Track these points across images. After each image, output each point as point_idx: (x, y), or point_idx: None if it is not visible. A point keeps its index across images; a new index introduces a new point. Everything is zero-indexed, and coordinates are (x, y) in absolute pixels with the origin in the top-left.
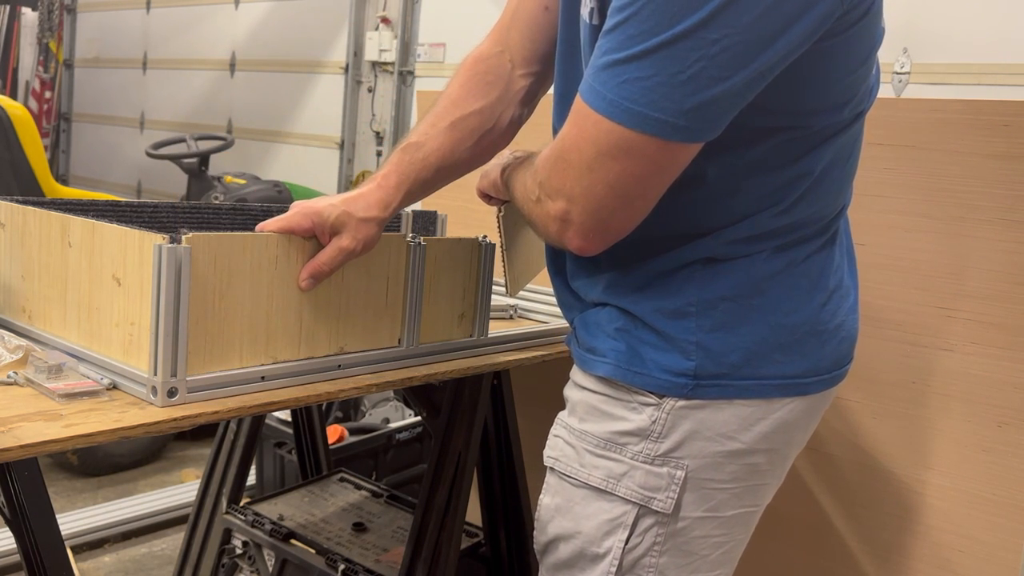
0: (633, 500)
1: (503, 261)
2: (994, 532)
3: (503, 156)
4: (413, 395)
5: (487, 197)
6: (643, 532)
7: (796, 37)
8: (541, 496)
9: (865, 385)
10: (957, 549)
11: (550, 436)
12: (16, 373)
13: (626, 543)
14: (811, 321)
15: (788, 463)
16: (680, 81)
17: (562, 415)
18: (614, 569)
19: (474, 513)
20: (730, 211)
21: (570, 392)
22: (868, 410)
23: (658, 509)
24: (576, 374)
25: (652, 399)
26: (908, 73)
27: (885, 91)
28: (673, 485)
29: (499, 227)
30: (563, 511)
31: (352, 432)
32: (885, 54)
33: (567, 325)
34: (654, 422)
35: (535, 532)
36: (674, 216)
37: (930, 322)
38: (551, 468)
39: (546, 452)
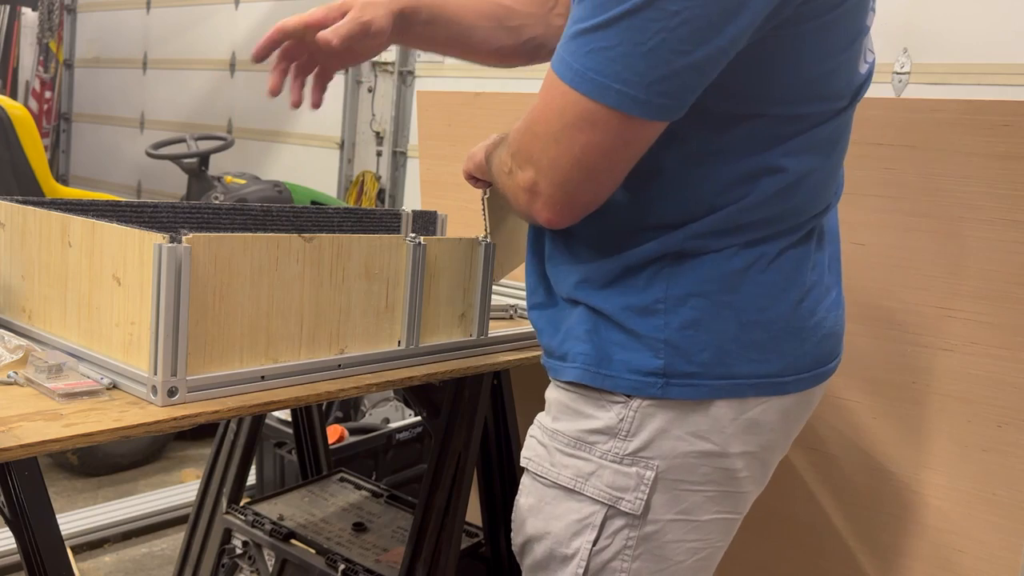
0: (601, 500)
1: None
2: (994, 532)
3: (490, 138)
4: (413, 395)
5: (473, 179)
6: (612, 534)
7: (760, 12)
8: (517, 497)
9: (865, 385)
10: (957, 549)
11: (527, 436)
12: (16, 373)
13: (594, 544)
14: (786, 318)
15: (768, 470)
16: (642, 52)
17: (539, 415)
18: (581, 571)
19: (474, 513)
20: (696, 204)
21: (548, 392)
22: (868, 410)
23: (627, 510)
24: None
25: (620, 397)
26: (908, 73)
27: (885, 91)
28: (642, 485)
29: (484, 210)
30: (535, 511)
31: (352, 432)
32: (885, 54)
33: None
34: (621, 420)
35: (512, 533)
36: (642, 208)
37: (930, 322)
38: (526, 468)
39: (523, 452)
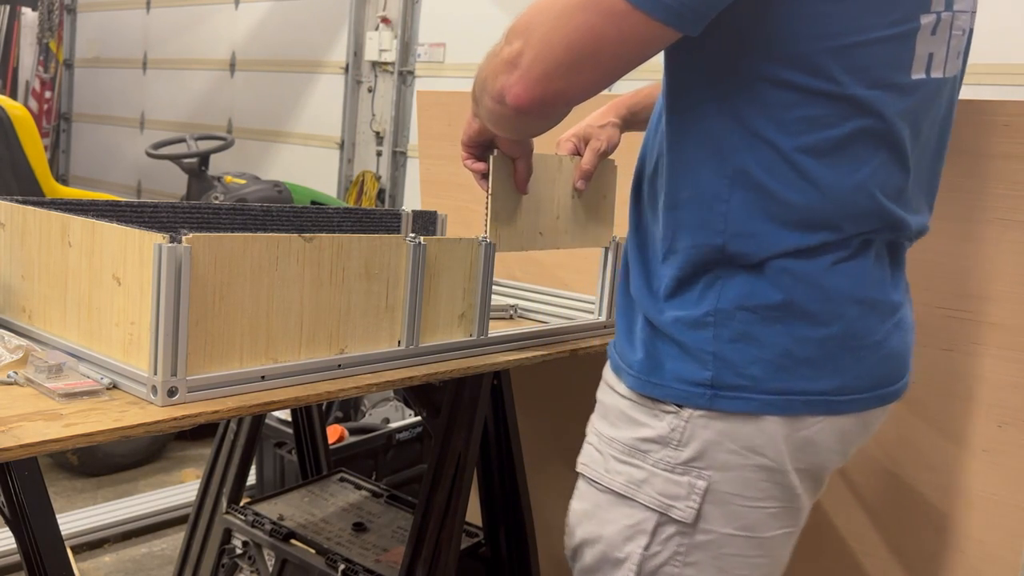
0: (653, 507)
1: (486, 210)
2: (994, 532)
3: None
4: (413, 395)
5: (469, 155)
6: (664, 541)
7: None
8: (571, 501)
9: None
10: (957, 549)
11: (584, 443)
12: (16, 373)
13: (645, 549)
14: (843, 335)
15: (822, 485)
16: None
17: (594, 419)
18: (633, 575)
19: (474, 513)
20: (746, 217)
21: (603, 396)
22: None
23: (678, 518)
24: (611, 377)
25: (672, 407)
26: None
27: None
28: (694, 495)
29: (488, 172)
30: (589, 516)
31: (352, 432)
32: None
33: (567, 325)
34: (673, 430)
35: (565, 537)
36: (694, 221)
37: (930, 322)
38: (581, 474)
39: (579, 458)
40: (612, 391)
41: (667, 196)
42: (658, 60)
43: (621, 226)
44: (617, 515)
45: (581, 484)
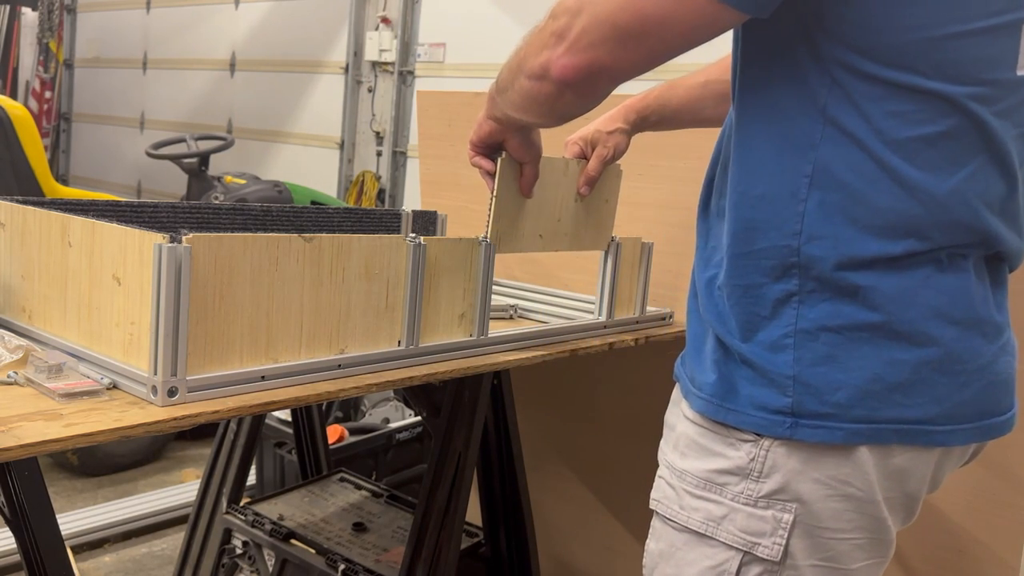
0: (736, 546)
1: (489, 210)
2: (994, 532)
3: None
4: (413, 395)
5: (477, 153)
6: None
7: None
8: (647, 541)
9: None
10: (957, 549)
11: (656, 477)
12: (16, 373)
13: None
14: (942, 358)
15: (912, 514)
16: None
17: (664, 448)
18: None
19: (474, 513)
20: (826, 218)
21: (674, 420)
22: None
23: (764, 556)
24: (682, 402)
25: (750, 435)
26: None
27: None
28: (780, 530)
29: (496, 172)
30: (666, 557)
31: (352, 432)
32: None
33: (567, 325)
34: (752, 459)
35: None
36: (767, 222)
37: None
38: (655, 511)
39: (652, 494)
40: (681, 415)
41: (736, 195)
42: (676, 60)
43: (621, 228)
44: (697, 555)
45: (656, 522)
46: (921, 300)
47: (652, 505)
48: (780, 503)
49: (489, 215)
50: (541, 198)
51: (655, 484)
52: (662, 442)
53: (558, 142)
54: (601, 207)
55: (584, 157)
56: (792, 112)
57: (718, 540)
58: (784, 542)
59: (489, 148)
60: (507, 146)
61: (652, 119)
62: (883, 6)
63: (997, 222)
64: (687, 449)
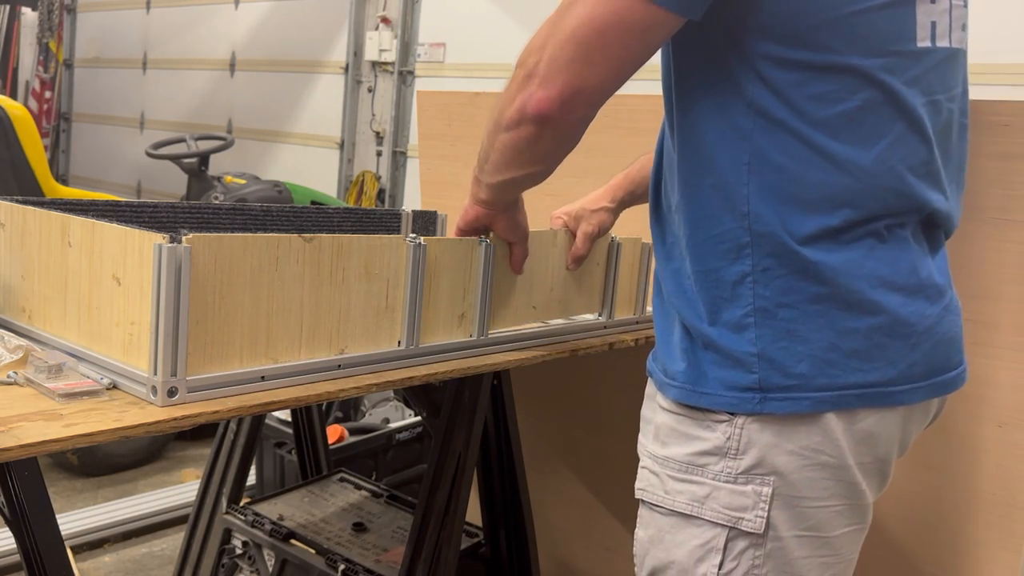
0: (721, 523)
1: None
2: (994, 532)
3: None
4: (413, 395)
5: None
6: (737, 556)
7: None
8: (636, 530)
9: None
10: (957, 549)
11: (639, 468)
12: (16, 373)
13: (719, 568)
14: (889, 324)
15: (886, 478)
16: None
17: (643, 441)
18: None
19: (474, 513)
20: (768, 199)
21: (650, 413)
22: None
23: (749, 530)
24: (656, 395)
25: (724, 416)
26: None
27: None
28: (761, 503)
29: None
30: (656, 542)
31: (352, 432)
32: None
33: (567, 324)
34: (729, 438)
35: (636, 568)
36: (716, 210)
37: None
38: (641, 500)
39: (636, 484)
40: (657, 407)
41: (689, 188)
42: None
43: (620, 229)
44: (685, 537)
45: (643, 511)
46: (866, 271)
47: (638, 495)
48: (759, 477)
49: None
50: (533, 271)
51: (639, 475)
52: (640, 436)
53: (544, 216)
54: (593, 270)
55: (568, 229)
56: (727, 109)
57: (704, 519)
58: (766, 514)
59: (476, 233)
60: (495, 229)
61: (639, 192)
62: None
63: (923, 185)
64: (667, 438)
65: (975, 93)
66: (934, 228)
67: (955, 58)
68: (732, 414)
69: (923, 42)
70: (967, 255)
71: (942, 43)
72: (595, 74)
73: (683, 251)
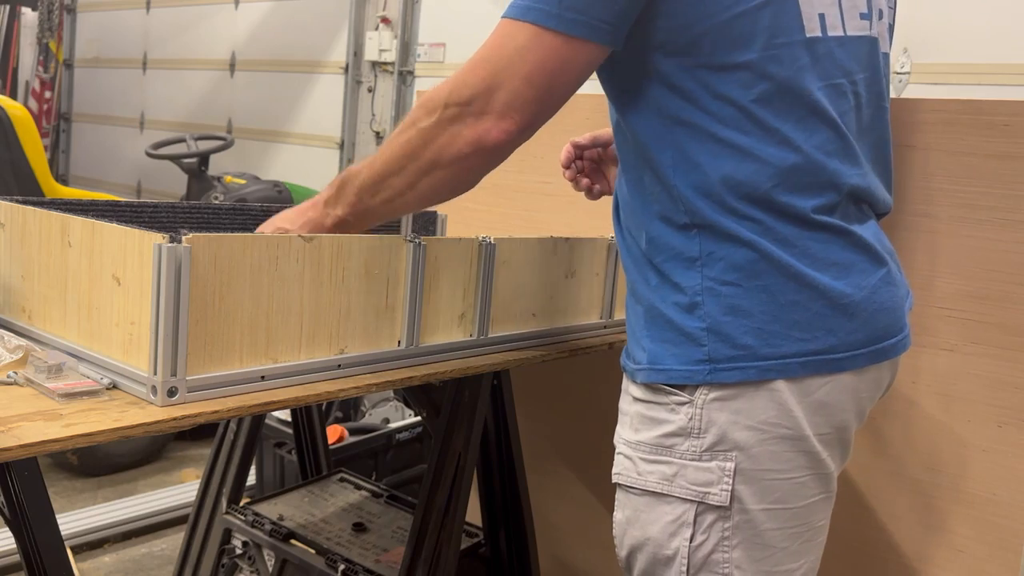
0: (689, 498)
1: None
2: (994, 532)
3: (275, 219)
4: (413, 395)
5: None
6: (707, 528)
7: None
8: (614, 513)
9: None
10: (957, 549)
11: (615, 455)
12: (16, 373)
13: (691, 541)
14: (827, 294)
15: (848, 448)
16: None
17: (619, 431)
18: (685, 569)
19: (474, 513)
20: (696, 192)
21: (625, 405)
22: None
23: (715, 503)
24: (628, 386)
25: (684, 396)
26: (908, 73)
27: None
28: (725, 477)
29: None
30: (632, 521)
31: (352, 432)
32: None
33: (566, 324)
34: (691, 419)
35: (616, 550)
36: (660, 207)
37: (930, 322)
38: (617, 484)
39: (612, 470)
40: (630, 397)
41: (642, 195)
42: None
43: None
44: (657, 514)
45: (619, 494)
46: (800, 249)
47: (614, 479)
48: (721, 453)
49: None
50: (534, 278)
51: (615, 462)
52: (617, 427)
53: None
54: (592, 280)
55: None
56: (653, 121)
57: (674, 496)
58: (730, 488)
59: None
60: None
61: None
62: (684, 8)
63: (836, 162)
64: (639, 425)
65: (975, 93)
66: (858, 203)
67: (858, 46)
68: (692, 393)
69: (812, 32)
70: (967, 255)
71: (834, 32)
72: (548, 109)
73: (646, 247)
